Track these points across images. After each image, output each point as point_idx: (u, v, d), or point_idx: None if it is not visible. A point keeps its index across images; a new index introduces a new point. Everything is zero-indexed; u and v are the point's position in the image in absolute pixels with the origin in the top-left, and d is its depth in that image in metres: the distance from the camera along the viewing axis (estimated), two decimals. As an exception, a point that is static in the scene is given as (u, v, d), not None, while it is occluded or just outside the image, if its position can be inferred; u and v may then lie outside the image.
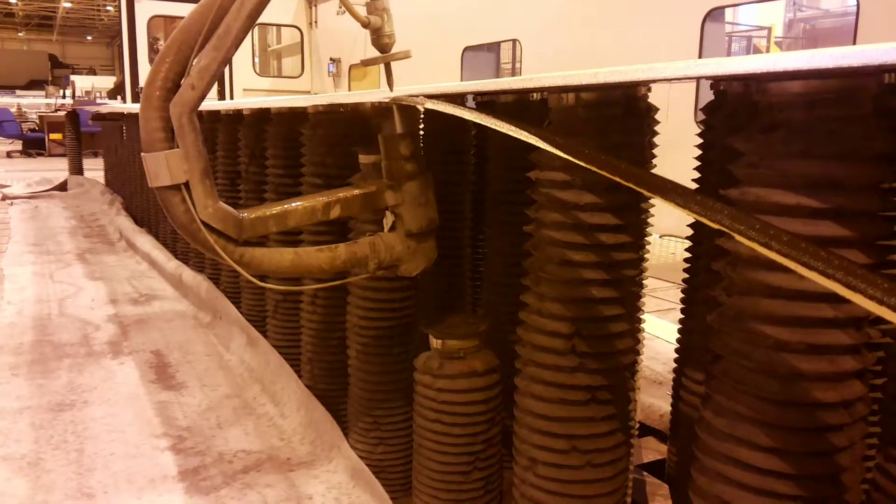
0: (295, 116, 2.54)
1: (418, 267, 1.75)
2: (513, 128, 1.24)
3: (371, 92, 1.92)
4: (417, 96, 1.58)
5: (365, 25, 1.57)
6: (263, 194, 2.79)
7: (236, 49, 1.46)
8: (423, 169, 1.73)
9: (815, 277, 0.74)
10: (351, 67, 9.92)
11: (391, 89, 1.69)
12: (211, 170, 1.51)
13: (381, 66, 1.68)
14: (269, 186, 2.71)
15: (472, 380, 1.65)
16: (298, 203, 1.62)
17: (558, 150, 1.12)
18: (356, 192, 1.69)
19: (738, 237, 0.80)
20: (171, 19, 11.30)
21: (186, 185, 1.45)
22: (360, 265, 1.70)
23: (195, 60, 1.43)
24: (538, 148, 1.35)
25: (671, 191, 0.89)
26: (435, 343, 1.68)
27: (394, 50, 1.63)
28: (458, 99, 2.01)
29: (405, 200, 1.70)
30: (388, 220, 1.76)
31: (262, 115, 2.81)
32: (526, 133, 1.20)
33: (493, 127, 1.31)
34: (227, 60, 1.45)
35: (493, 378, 1.68)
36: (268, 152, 2.70)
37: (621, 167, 0.97)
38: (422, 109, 1.77)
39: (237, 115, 3.07)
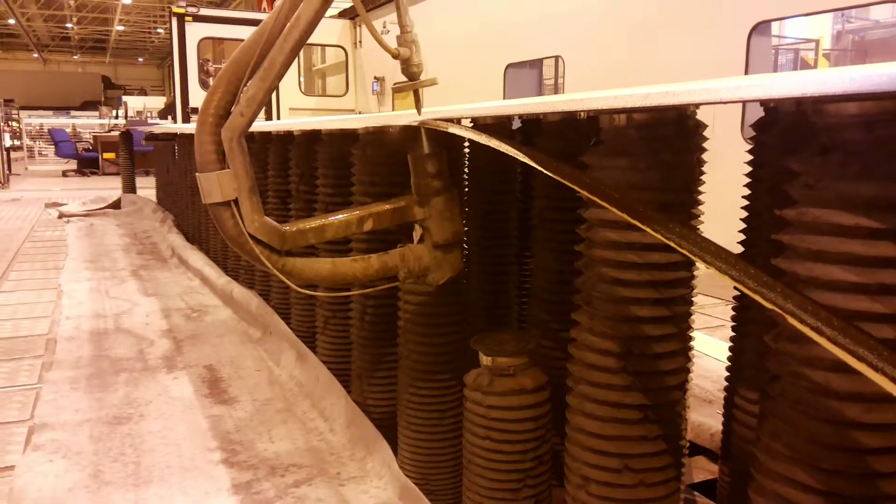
0: (344, 136, 2.59)
1: (444, 276, 1.88)
2: (535, 158, 1.30)
3: (401, 115, 2.02)
4: (441, 120, 1.69)
5: (395, 57, 1.71)
6: (313, 213, 2.84)
7: (280, 79, 1.61)
8: (449, 186, 1.86)
9: (863, 370, 0.74)
10: (394, 86, 10.04)
11: (419, 113, 1.82)
12: (257, 188, 1.66)
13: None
14: (319, 205, 2.76)
15: (521, 397, 1.66)
16: (335, 217, 1.79)
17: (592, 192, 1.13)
18: (387, 206, 1.85)
19: (789, 318, 0.81)
20: (220, 41, 11.62)
21: (236, 201, 1.62)
22: (392, 274, 1.85)
23: (244, 90, 1.59)
24: (590, 167, 1.37)
25: (723, 259, 0.89)
26: (485, 360, 1.69)
27: (422, 77, 1.78)
28: (504, 119, 2.07)
29: (432, 215, 1.84)
30: (417, 232, 1.91)
31: (312, 135, 2.88)
32: (551, 166, 1.24)
33: (513, 154, 1.40)
34: (273, 89, 1.61)
35: (543, 395, 1.69)
36: (318, 171, 2.76)
37: (671, 226, 0.98)
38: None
39: (288, 135, 3.15)
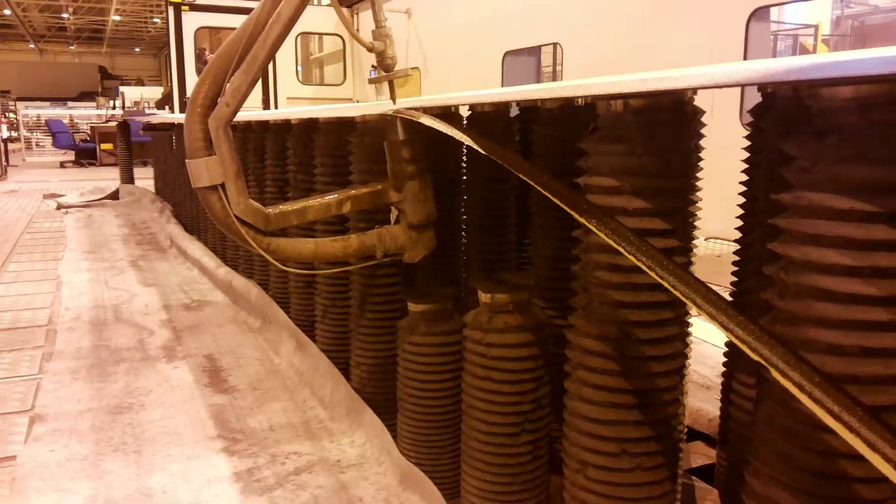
0: (341, 125, 2.59)
1: (419, 254, 2.01)
2: (500, 150, 1.35)
3: (378, 104, 2.11)
4: (414, 109, 1.81)
5: (370, 50, 1.84)
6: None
7: (262, 72, 1.75)
8: (423, 170, 1.97)
9: (839, 430, 0.76)
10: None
11: (394, 103, 1.92)
12: (243, 173, 1.79)
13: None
14: (317, 193, 2.76)
15: (520, 334, 1.65)
16: (315, 200, 1.92)
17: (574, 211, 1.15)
18: (365, 190, 1.99)
19: (773, 371, 0.82)
20: (216, 30, 11.56)
21: (222, 185, 1.75)
22: (370, 253, 1.98)
23: (229, 83, 1.72)
24: (586, 153, 1.37)
25: (713, 304, 0.90)
26: (484, 297, 1.69)
27: (397, 68, 1.92)
28: (503, 106, 2.08)
29: (407, 197, 1.97)
30: (393, 214, 2.04)
31: (309, 124, 2.87)
32: (519, 164, 1.28)
33: (475, 147, 1.49)
34: (256, 81, 1.75)
35: (542, 333, 1.69)
36: (315, 160, 2.76)
37: (667, 264, 0.99)
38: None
39: (285, 124, 3.14)
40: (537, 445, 1.71)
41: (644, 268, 1.01)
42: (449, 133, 1.57)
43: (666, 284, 0.97)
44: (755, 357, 0.84)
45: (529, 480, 1.71)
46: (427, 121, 1.70)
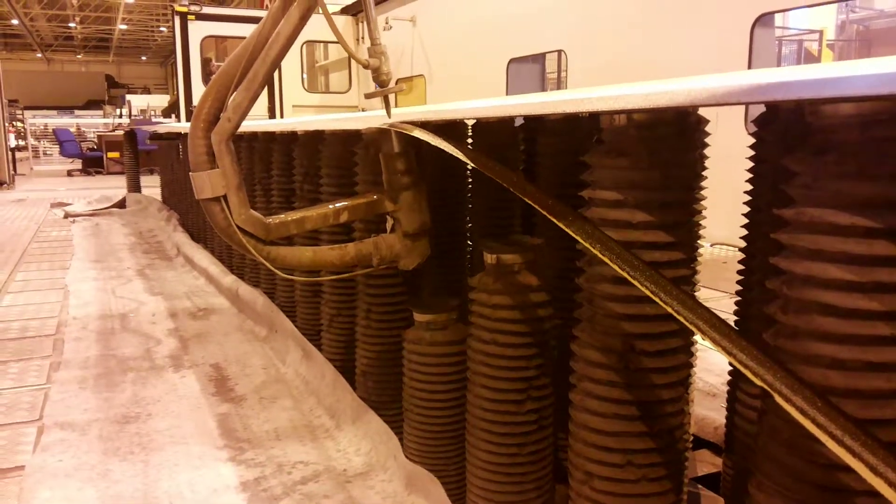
0: (346, 136, 2.61)
1: (414, 262, 2.05)
2: (495, 165, 1.37)
3: (373, 117, 2.16)
4: (408, 123, 1.85)
5: (366, 67, 1.89)
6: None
7: (263, 88, 1.80)
8: (418, 181, 2.02)
9: (842, 454, 0.78)
10: (397, 82, 10.00)
11: (389, 116, 1.97)
12: (244, 185, 1.85)
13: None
14: (318, 204, 2.77)
15: (527, 295, 1.66)
16: (314, 210, 1.98)
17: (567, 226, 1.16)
18: (361, 200, 2.04)
19: (777, 398, 0.83)
20: (222, 39, 11.62)
21: (224, 197, 1.82)
22: (366, 261, 2.03)
23: (231, 98, 1.78)
24: (590, 166, 1.38)
25: (717, 329, 0.91)
26: (489, 259, 1.70)
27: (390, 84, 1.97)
28: (507, 117, 2.09)
29: (402, 207, 2.01)
30: (389, 223, 2.09)
31: (315, 135, 2.89)
32: (511, 179, 1.30)
33: (465, 159, 1.52)
34: (257, 97, 1.80)
35: (547, 296, 1.70)
36: (321, 170, 2.78)
37: (665, 285, 1.00)
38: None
39: (291, 135, 3.16)
40: (542, 415, 1.70)
41: (649, 293, 1.02)
42: (442, 147, 1.59)
43: (670, 310, 0.98)
44: (759, 382, 0.85)
45: (534, 452, 1.71)
46: (420, 134, 1.73)
